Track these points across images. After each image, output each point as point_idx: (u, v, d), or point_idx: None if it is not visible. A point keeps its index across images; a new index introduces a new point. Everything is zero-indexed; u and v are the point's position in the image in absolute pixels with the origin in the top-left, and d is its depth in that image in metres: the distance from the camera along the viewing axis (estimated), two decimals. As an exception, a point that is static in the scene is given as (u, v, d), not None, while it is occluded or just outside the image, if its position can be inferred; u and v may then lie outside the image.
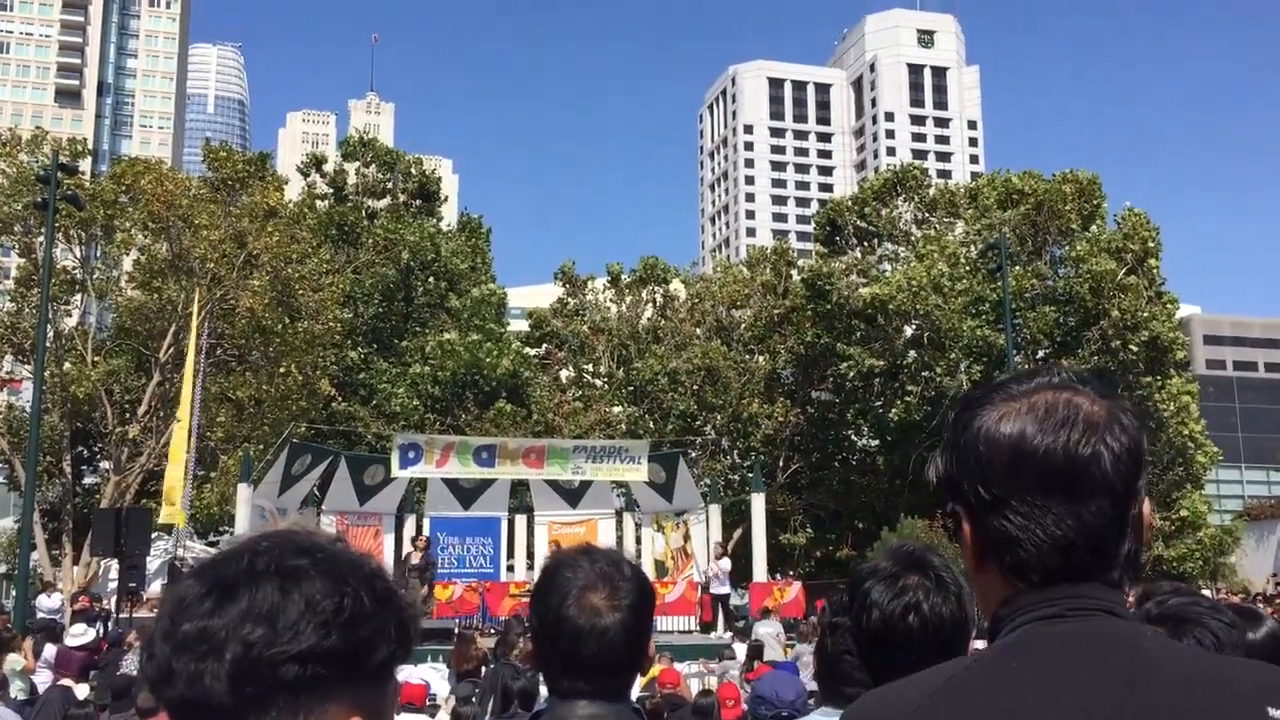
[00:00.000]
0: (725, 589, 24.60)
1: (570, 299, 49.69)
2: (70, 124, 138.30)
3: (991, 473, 1.33)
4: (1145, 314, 39.59)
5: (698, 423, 42.95)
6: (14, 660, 14.62)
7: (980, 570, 1.37)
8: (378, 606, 1.17)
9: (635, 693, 11.45)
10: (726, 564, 24.98)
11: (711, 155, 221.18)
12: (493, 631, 19.50)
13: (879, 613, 2.15)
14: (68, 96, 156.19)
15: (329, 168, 49.94)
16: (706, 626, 24.34)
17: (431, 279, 46.22)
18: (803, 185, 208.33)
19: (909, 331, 42.38)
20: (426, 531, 26.79)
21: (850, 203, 49.06)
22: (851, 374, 42.53)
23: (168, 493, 20.21)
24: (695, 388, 43.69)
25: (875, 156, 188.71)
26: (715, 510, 27.02)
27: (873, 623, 2.15)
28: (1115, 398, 1.37)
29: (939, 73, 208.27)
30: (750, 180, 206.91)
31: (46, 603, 24.65)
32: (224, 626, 1.10)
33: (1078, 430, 1.31)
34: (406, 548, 24.63)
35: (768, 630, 18.58)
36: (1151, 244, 41.65)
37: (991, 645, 1.31)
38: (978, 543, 1.36)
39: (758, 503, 26.88)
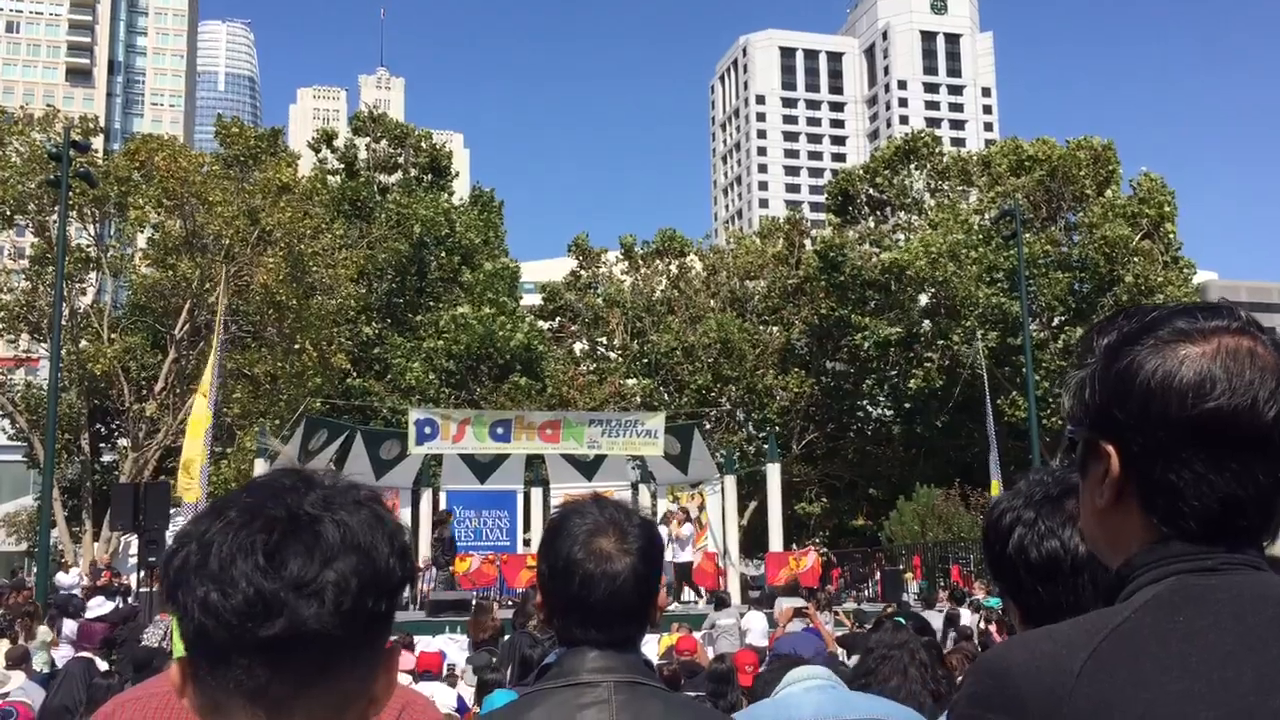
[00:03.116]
0: (686, 557, 23.97)
1: (583, 271, 49.66)
2: (81, 103, 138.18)
3: (1163, 418, 1.23)
4: (1160, 279, 39.36)
5: (713, 394, 42.97)
6: (44, 633, 14.77)
7: (1117, 508, 1.29)
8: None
9: (653, 660, 11.51)
10: (688, 529, 24.49)
11: (723, 126, 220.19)
12: (510, 603, 19.60)
13: (1056, 541, 1.85)
14: (78, 75, 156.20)
15: (339, 143, 49.92)
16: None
17: (445, 253, 46.22)
18: (815, 155, 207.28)
19: (924, 300, 42.26)
20: (443, 505, 26.94)
21: (862, 171, 48.86)
22: (866, 344, 42.46)
23: (185, 464, 20.25)
24: (710, 360, 43.69)
25: (888, 125, 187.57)
26: (730, 481, 27.01)
27: (1046, 550, 1.85)
28: None
29: (952, 39, 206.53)
30: (763, 151, 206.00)
31: (65, 579, 24.91)
32: (329, 560, 1.11)
33: (1266, 386, 1.22)
34: (430, 523, 24.56)
35: (794, 602, 18.45)
36: (1167, 209, 41.36)
37: (1142, 593, 1.23)
38: (1125, 481, 1.28)
39: (773, 473, 26.84)
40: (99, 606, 16.60)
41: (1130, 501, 1.28)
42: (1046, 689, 1.17)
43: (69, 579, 24.91)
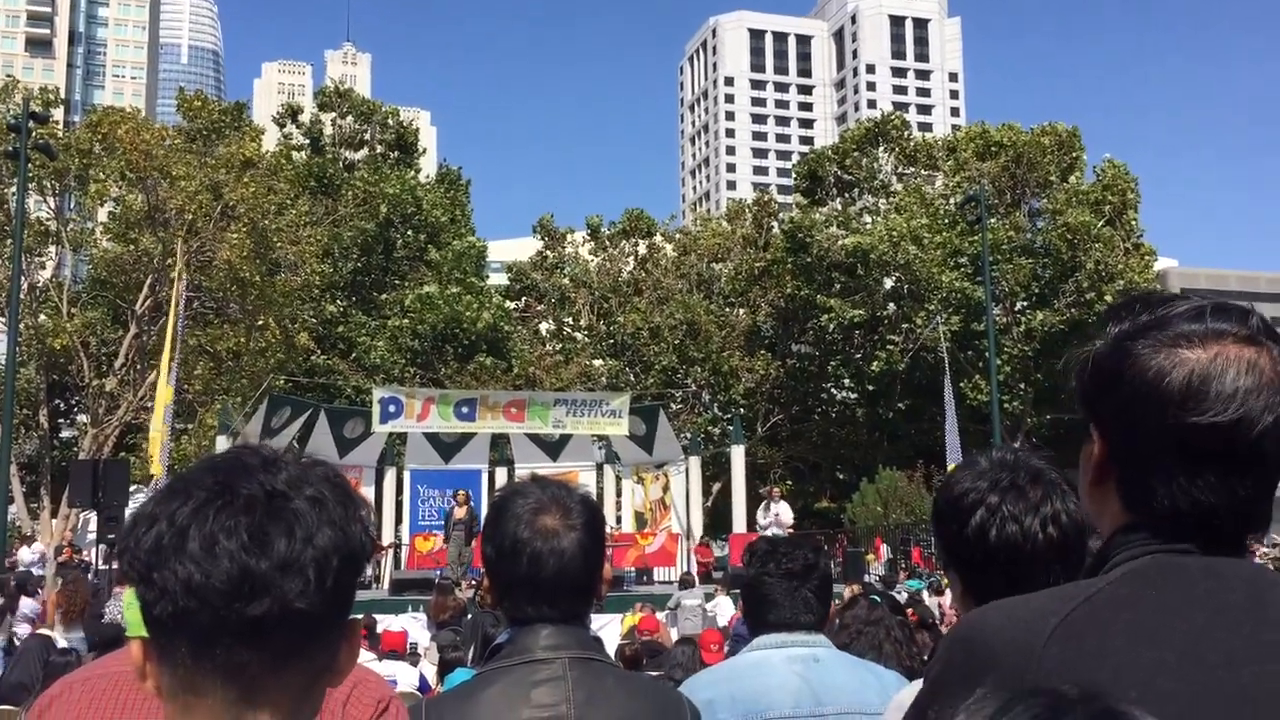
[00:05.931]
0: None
1: (549, 252, 49.53)
2: (41, 73, 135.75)
3: (1145, 424, 1.22)
4: (1121, 266, 39.75)
5: (678, 376, 43.04)
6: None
7: (1101, 487, 1.31)
8: None
9: (616, 640, 11.55)
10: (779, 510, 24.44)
11: (692, 108, 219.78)
12: (473, 583, 19.59)
13: (1017, 526, 1.82)
14: (38, 45, 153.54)
15: (304, 118, 49.40)
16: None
17: (411, 232, 45.93)
18: (783, 138, 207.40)
19: (889, 283, 42.49)
20: (407, 484, 26.88)
21: (831, 152, 48.98)
22: (832, 326, 42.66)
23: (151, 441, 20.10)
24: (676, 342, 43.75)
25: (856, 109, 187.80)
26: (695, 463, 27.11)
27: (1006, 535, 1.83)
28: None
29: (920, 24, 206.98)
30: (731, 133, 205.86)
31: (27, 555, 24.65)
32: (310, 538, 1.10)
33: (1261, 399, 1.19)
34: (448, 504, 24.26)
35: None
36: (1130, 195, 41.75)
37: (1120, 568, 1.24)
38: (1107, 465, 1.29)
39: (738, 455, 26.96)
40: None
41: (1111, 485, 1.30)
42: (1016, 651, 1.19)
43: (31, 555, 24.65)
